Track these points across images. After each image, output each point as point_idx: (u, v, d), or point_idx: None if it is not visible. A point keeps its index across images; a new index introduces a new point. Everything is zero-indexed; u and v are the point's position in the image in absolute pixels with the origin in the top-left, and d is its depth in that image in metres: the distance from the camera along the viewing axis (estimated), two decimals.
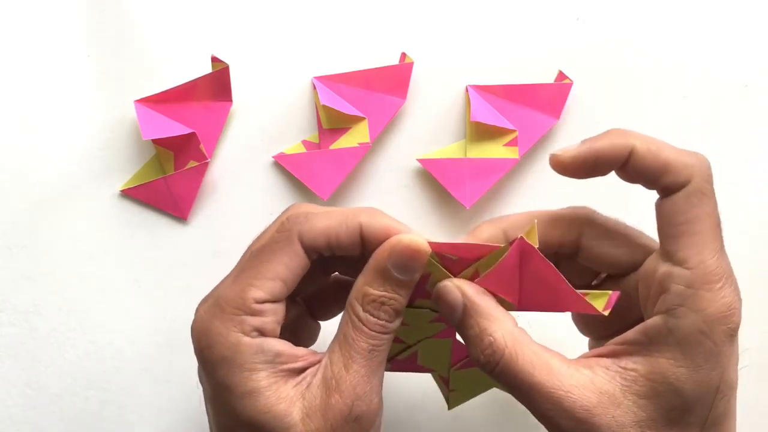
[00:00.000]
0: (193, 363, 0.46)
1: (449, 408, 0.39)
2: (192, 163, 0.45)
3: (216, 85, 0.45)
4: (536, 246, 0.31)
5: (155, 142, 0.46)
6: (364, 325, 0.32)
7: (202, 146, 0.45)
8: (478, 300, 0.32)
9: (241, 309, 0.32)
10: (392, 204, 0.46)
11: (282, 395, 0.32)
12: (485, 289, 0.32)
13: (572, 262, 0.36)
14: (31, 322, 0.46)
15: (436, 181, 0.45)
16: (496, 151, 0.45)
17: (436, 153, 0.46)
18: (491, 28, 0.47)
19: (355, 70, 0.45)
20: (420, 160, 0.46)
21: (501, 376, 0.31)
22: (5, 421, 0.45)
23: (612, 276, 0.36)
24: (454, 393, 0.39)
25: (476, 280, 0.32)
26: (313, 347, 0.37)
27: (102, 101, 0.46)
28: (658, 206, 0.32)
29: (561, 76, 0.46)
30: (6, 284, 0.46)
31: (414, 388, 0.45)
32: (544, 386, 0.30)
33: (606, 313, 0.31)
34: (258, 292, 0.32)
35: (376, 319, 0.32)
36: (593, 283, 0.37)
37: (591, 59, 0.46)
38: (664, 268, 0.31)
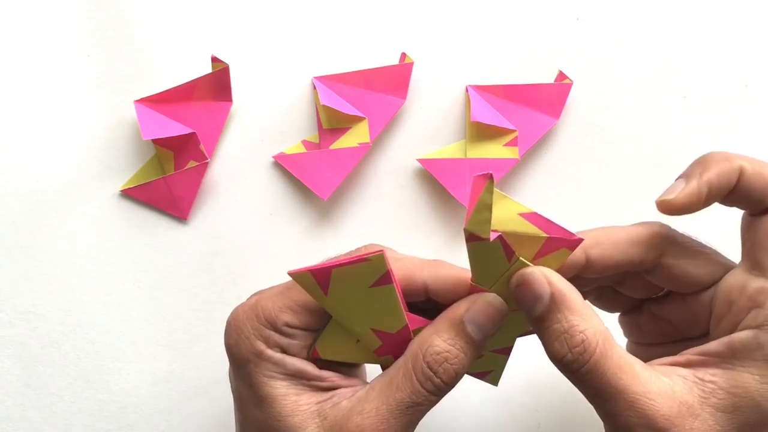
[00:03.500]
0: (192, 363, 0.46)
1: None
2: (192, 163, 0.45)
3: (216, 85, 0.45)
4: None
5: (155, 142, 0.46)
6: (416, 377, 0.31)
7: (202, 146, 0.45)
8: (568, 293, 0.30)
9: (272, 325, 0.32)
10: (392, 204, 0.46)
11: (299, 407, 0.31)
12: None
13: (637, 278, 0.35)
14: (31, 322, 0.46)
15: (436, 181, 0.45)
16: (496, 151, 0.45)
17: (436, 153, 0.46)
18: (491, 28, 0.47)
19: (355, 70, 0.45)
20: (420, 160, 0.46)
21: (586, 376, 0.30)
22: (5, 421, 0.45)
23: (676, 292, 0.35)
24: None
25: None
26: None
27: (102, 101, 0.46)
28: (753, 222, 0.31)
29: (561, 76, 0.46)
30: (6, 284, 0.46)
31: None
32: (629, 391, 0.29)
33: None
34: (291, 318, 0.32)
35: (432, 374, 0.30)
36: (656, 296, 0.36)
37: (591, 59, 0.46)
38: (757, 283, 0.31)
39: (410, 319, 0.32)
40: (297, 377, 0.32)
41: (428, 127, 0.47)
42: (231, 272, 0.46)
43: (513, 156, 0.45)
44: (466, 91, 0.46)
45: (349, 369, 0.35)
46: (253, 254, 0.46)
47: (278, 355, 0.32)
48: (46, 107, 0.46)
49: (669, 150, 0.46)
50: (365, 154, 0.45)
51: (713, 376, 0.30)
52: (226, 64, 0.44)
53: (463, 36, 0.47)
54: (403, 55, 0.46)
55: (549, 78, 0.46)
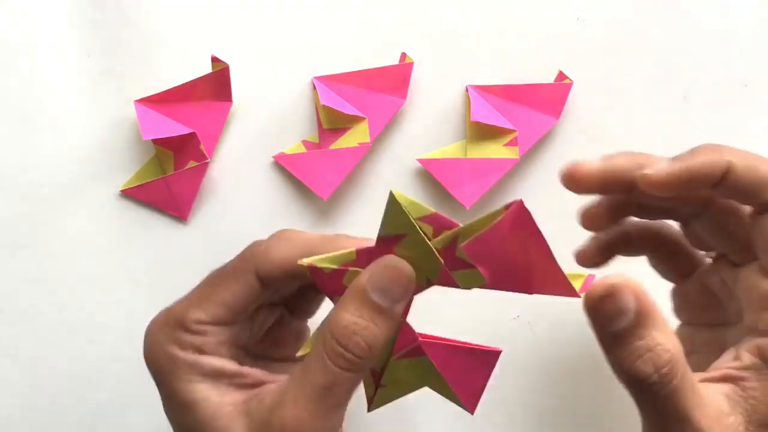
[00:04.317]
0: None
1: (371, 409, 0.33)
2: (192, 163, 0.45)
3: (216, 85, 0.45)
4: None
5: (155, 142, 0.46)
6: (327, 355, 0.29)
7: (202, 146, 0.45)
8: (654, 308, 0.29)
9: (181, 326, 0.31)
10: None
11: (222, 409, 0.30)
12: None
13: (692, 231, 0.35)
14: (31, 322, 0.46)
15: (436, 181, 0.45)
16: (496, 151, 0.45)
17: (436, 153, 0.46)
18: (491, 28, 0.46)
19: (355, 70, 0.45)
20: (420, 160, 0.46)
21: (665, 399, 0.28)
22: (5, 421, 0.45)
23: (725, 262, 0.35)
24: (384, 390, 0.33)
25: (462, 245, 0.29)
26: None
27: (102, 101, 0.46)
28: (756, 222, 0.31)
29: (561, 76, 0.46)
30: (6, 284, 0.46)
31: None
32: (694, 421, 0.29)
33: (581, 295, 0.29)
34: (199, 314, 0.32)
35: (342, 350, 0.29)
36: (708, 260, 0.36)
37: (591, 59, 0.46)
38: (765, 285, 0.31)
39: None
40: (216, 377, 0.31)
41: (428, 127, 0.47)
42: None
43: (513, 156, 0.45)
44: (466, 91, 0.46)
45: (278, 364, 0.35)
46: None
47: (192, 357, 0.31)
48: (47, 107, 0.46)
49: (669, 150, 0.46)
50: (365, 154, 0.45)
51: (753, 391, 0.30)
52: (226, 64, 0.44)
53: (463, 36, 0.46)
54: (403, 55, 0.46)
55: (549, 78, 0.46)
